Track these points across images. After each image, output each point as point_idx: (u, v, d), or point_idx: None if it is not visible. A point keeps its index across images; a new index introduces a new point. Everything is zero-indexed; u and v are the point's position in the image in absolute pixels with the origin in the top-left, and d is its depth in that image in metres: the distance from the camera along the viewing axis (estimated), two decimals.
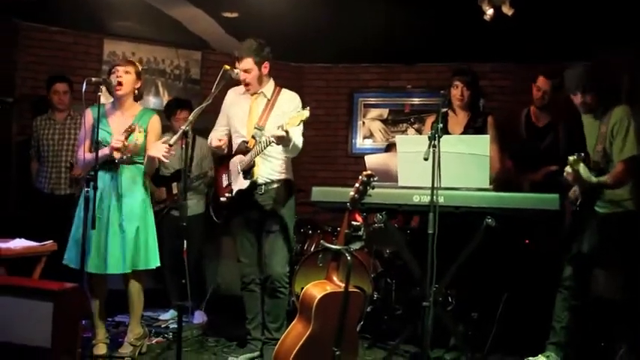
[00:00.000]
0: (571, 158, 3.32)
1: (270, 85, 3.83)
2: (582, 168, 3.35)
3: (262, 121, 3.74)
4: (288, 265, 3.88)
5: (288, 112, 3.66)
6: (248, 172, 3.69)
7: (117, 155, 3.58)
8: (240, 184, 3.73)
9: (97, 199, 3.56)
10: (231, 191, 3.81)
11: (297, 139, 3.64)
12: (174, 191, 4.92)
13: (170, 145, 3.48)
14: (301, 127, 3.68)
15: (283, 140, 3.45)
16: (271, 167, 3.78)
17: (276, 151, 3.72)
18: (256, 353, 3.88)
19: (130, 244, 3.63)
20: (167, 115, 4.99)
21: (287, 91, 3.86)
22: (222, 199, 3.87)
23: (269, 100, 3.80)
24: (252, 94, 3.81)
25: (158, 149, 3.55)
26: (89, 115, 3.69)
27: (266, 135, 3.58)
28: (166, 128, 4.44)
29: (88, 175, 3.45)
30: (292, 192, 3.91)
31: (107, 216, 3.63)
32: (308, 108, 3.40)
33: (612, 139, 3.47)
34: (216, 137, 3.85)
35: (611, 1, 4.31)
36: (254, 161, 3.67)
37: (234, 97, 3.91)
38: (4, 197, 5.19)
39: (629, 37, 4.98)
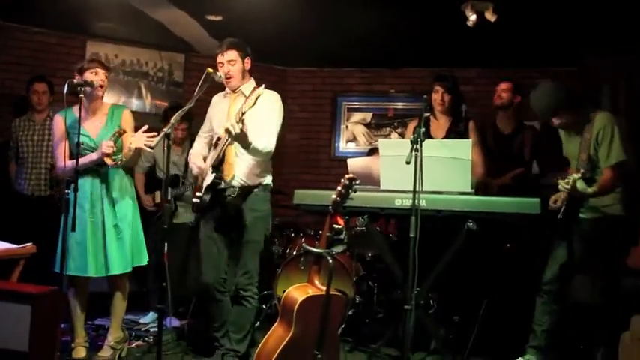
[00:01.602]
0: (575, 176, 3.35)
1: (249, 84, 3.72)
2: (580, 182, 3.39)
3: (237, 118, 3.51)
4: (257, 276, 3.72)
5: (262, 108, 3.49)
6: (217, 167, 3.54)
7: (109, 162, 3.54)
8: (208, 179, 3.57)
9: (89, 203, 3.58)
10: (201, 189, 3.63)
11: (260, 140, 3.46)
12: (169, 197, 4.84)
13: (152, 148, 3.45)
14: (275, 129, 3.60)
15: (238, 137, 3.28)
16: (249, 169, 3.62)
17: None
18: None
19: (128, 244, 3.66)
20: (165, 120, 4.94)
21: (266, 91, 3.63)
22: (194, 200, 3.68)
23: (247, 98, 3.61)
24: (233, 90, 3.71)
25: (140, 139, 3.50)
26: (60, 122, 3.62)
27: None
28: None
29: (69, 178, 3.42)
30: (269, 200, 3.78)
31: (102, 219, 3.62)
32: (263, 85, 3.31)
33: (597, 146, 3.50)
34: (198, 164, 3.71)
35: (594, 8, 4.37)
36: (223, 156, 3.54)
37: (216, 101, 3.85)
38: None
39: (610, 45, 5.05)
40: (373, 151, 5.56)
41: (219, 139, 3.60)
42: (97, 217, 3.61)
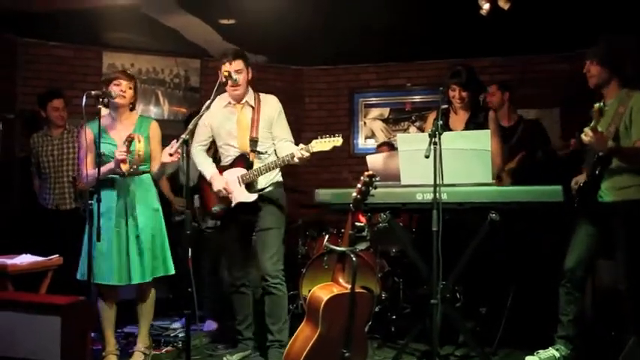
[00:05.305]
0: (596, 105, 3.25)
1: (250, 94, 3.85)
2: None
3: (254, 132, 3.77)
4: (281, 263, 3.84)
5: (274, 117, 3.80)
6: (251, 184, 3.73)
7: (124, 168, 3.56)
8: (245, 197, 3.74)
9: (114, 214, 3.63)
10: (225, 201, 3.80)
11: (293, 145, 3.74)
12: (196, 204, 4.85)
13: (175, 153, 3.48)
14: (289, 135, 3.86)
15: (305, 161, 3.60)
16: (267, 176, 3.79)
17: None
18: (248, 351, 3.91)
19: (149, 253, 3.68)
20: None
21: (266, 96, 3.90)
22: (214, 208, 3.85)
23: (253, 108, 3.81)
24: (237, 102, 3.81)
25: (165, 155, 3.56)
26: (87, 133, 3.62)
27: (284, 153, 3.66)
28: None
29: (92, 189, 3.46)
30: (283, 192, 3.93)
31: (126, 230, 3.66)
32: (341, 135, 3.58)
33: (629, 122, 3.44)
34: (221, 185, 3.80)
35: None
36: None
37: (216, 110, 3.83)
38: (9, 213, 5.20)
39: (628, 28, 4.96)
40: (380, 147, 5.56)
41: (247, 155, 3.76)
42: (121, 227, 3.65)
